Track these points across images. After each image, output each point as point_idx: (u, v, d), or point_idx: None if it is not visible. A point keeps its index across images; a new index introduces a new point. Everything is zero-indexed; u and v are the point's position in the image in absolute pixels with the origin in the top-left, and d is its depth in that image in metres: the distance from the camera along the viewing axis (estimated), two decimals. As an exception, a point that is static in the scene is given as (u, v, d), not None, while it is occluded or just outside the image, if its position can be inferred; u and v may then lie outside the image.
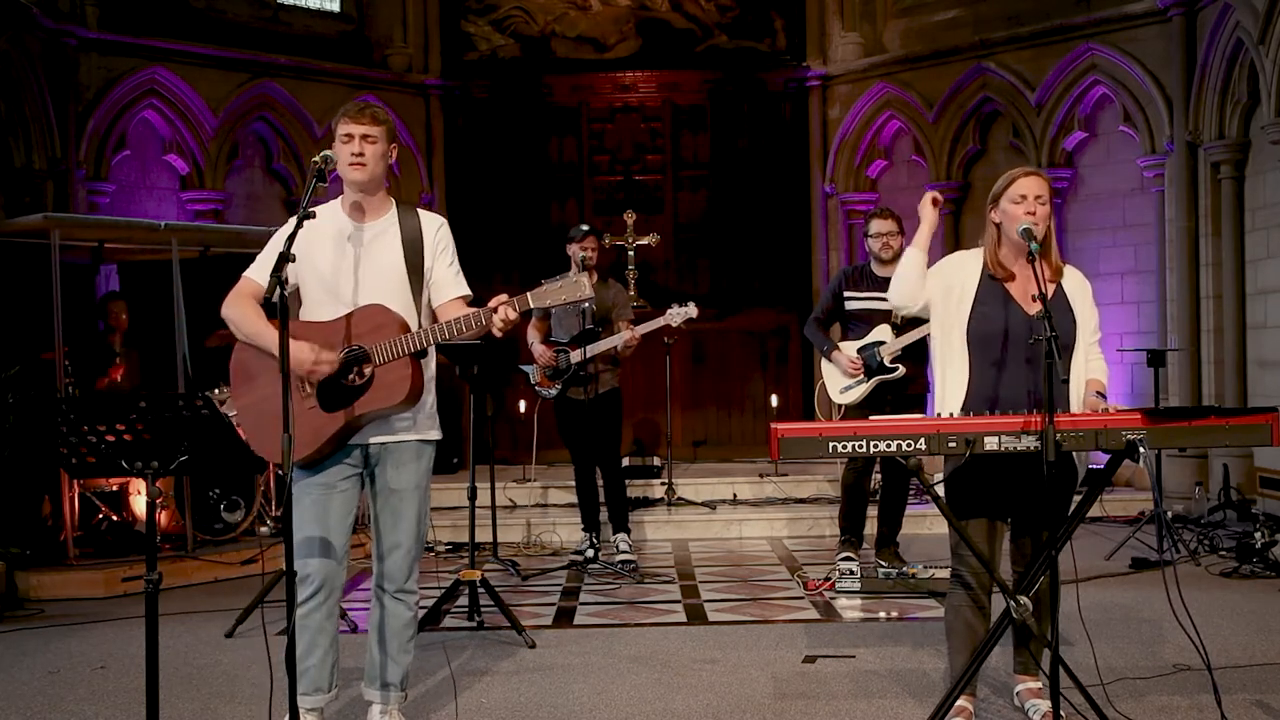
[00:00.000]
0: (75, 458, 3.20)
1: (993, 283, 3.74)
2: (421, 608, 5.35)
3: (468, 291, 3.77)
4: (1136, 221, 9.49)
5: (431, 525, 4.01)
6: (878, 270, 6.29)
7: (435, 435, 3.78)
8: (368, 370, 3.55)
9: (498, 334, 3.52)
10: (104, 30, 9.09)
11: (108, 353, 7.51)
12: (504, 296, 3.49)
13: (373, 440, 3.67)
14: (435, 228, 3.75)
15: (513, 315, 3.47)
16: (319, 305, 3.67)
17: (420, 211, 3.80)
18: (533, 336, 7.00)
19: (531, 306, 3.52)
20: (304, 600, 3.61)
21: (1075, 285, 3.80)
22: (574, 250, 6.81)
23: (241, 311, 3.70)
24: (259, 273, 3.71)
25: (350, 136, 3.63)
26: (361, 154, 3.62)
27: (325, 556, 3.64)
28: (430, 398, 3.74)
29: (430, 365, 3.73)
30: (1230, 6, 8.15)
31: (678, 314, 6.93)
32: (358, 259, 3.66)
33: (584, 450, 6.98)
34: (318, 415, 3.56)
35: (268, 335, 3.55)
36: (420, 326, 3.63)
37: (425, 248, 3.70)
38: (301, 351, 3.48)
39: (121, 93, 9.28)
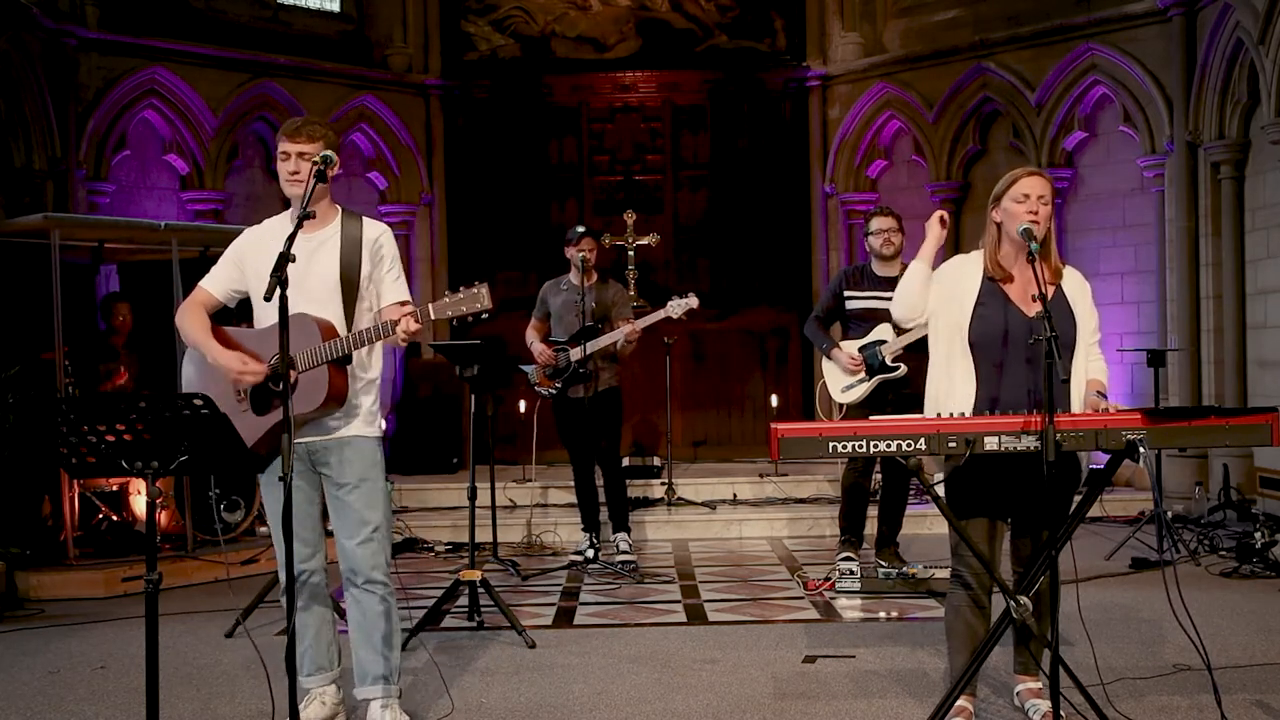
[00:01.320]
0: (75, 458, 3.20)
1: (992, 285, 3.74)
2: (421, 608, 5.40)
3: (406, 297, 3.90)
4: (1136, 221, 9.49)
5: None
6: (878, 270, 6.30)
7: (373, 432, 3.89)
8: (293, 376, 3.64)
9: (401, 344, 3.68)
10: (104, 30, 9.08)
11: (110, 353, 7.51)
12: (409, 308, 3.66)
13: (311, 439, 3.81)
14: (374, 236, 3.88)
15: (413, 326, 3.62)
16: (262, 312, 3.81)
17: (365, 220, 3.91)
18: (532, 337, 7.01)
19: (433, 318, 3.67)
20: (289, 585, 3.71)
21: (1075, 286, 3.80)
22: (571, 252, 6.82)
23: (188, 320, 3.87)
24: (211, 282, 3.92)
25: (287, 155, 3.77)
26: (297, 171, 3.75)
27: (296, 548, 3.72)
28: (370, 399, 3.89)
29: (367, 370, 3.87)
30: (1230, 6, 8.15)
31: (678, 305, 6.87)
32: (299, 269, 3.72)
33: (583, 450, 6.98)
34: (251, 418, 3.74)
35: (206, 345, 3.77)
36: (349, 333, 3.74)
37: (363, 256, 3.82)
38: (230, 361, 3.69)
39: (121, 93, 9.28)
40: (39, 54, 8.45)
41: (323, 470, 3.85)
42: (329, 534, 3.99)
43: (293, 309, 3.67)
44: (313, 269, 3.78)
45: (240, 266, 3.88)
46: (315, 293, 3.77)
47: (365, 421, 3.86)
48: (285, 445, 3.31)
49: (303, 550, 3.80)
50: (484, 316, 3.66)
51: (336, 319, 3.76)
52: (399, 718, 3.89)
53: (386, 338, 3.65)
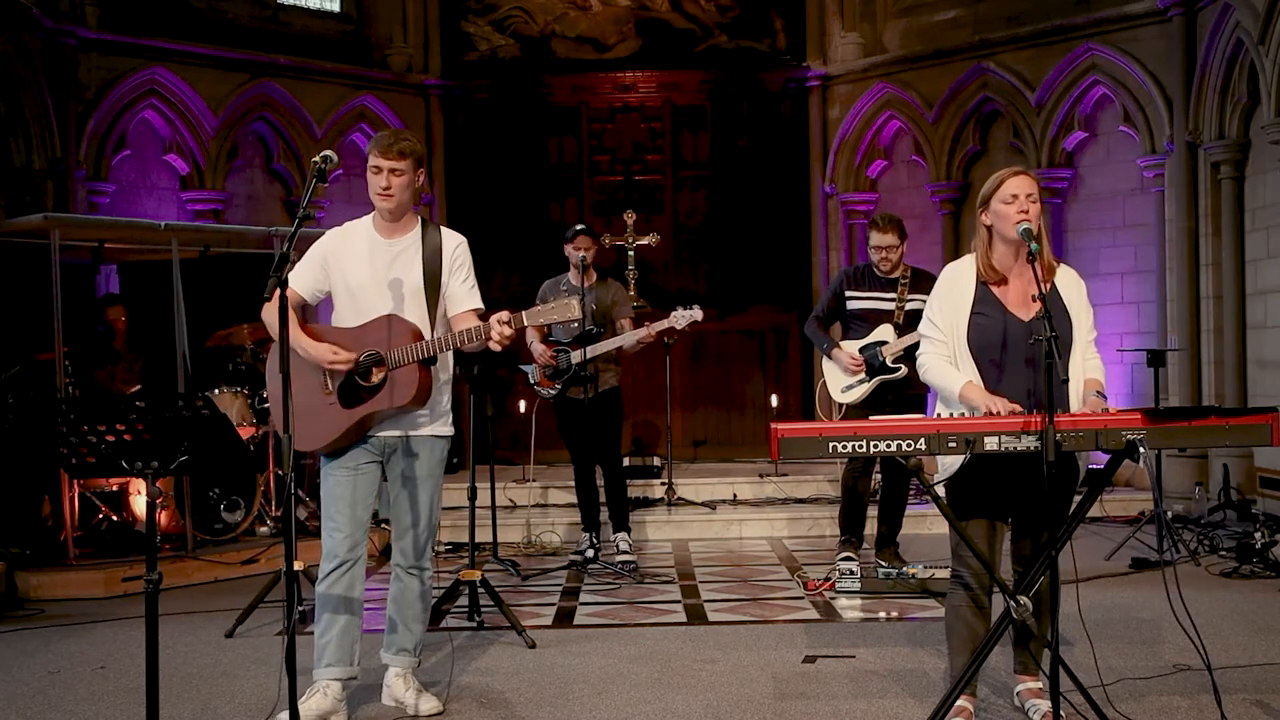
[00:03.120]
0: (75, 458, 3.21)
1: (985, 290, 3.73)
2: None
3: (479, 305, 4.10)
4: (1136, 221, 9.48)
5: (439, 523, 4.29)
6: (880, 271, 6.28)
7: (448, 431, 4.14)
8: (381, 372, 3.89)
9: (497, 348, 3.84)
10: (104, 30, 9.08)
11: (110, 355, 7.51)
12: (504, 315, 3.79)
13: (391, 433, 4.03)
14: (454, 246, 4.10)
15: (509, 332, 3.78)
16: (346, 313, 4.03)
17: (443, 230, 4.14)
18: (532, 336, 7.00)
19: (525, 324, 3.84)
20: (328, 573, 3.95)
21: (1070, 285, 3.79)
22: (570, 250, 6.82)
23: (275, 316, 3.95)
24: (296, 281, 4.06)
25: (379, 169, 3.95)
26: (389, 187, 3.95)
27: (350, 530, 3.98)
28: (444, 398, 4.11)
29: (444, 370, 4.09)
30: (1230, 6, 8.15)
31: (683, 317, 6.85)
32: (383, 273, 4.00)
33: (584, 450, 6.98)
34: (338, 411, 3.94)
35: (297, 338, 3.91)
36: (434, 336, 3.95)
37: (443, 264, 4.04)
38: (322, 351, 3.88)
39: (121, 93, 9.27)
40: (39, 54, 8.45)
41: (393, 464, 4.05)
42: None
43: (376, 312, 3.94)
44: (396, 274, 3.99)
45: (325, 267, 4.05)
46: (399, 297, 3.97)
47: (442, 421, 4.10)
48: (285, 445, 3.32)
49: (352, 538, 3.98)
50: (574, 325, 3.84)
51: (420, 321, 3.96)
52: (413, 684, 4.15)
53: (478, 341, 3.83)
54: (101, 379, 7.39)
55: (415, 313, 3.97)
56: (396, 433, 4.02)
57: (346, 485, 3.98)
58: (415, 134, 10.78)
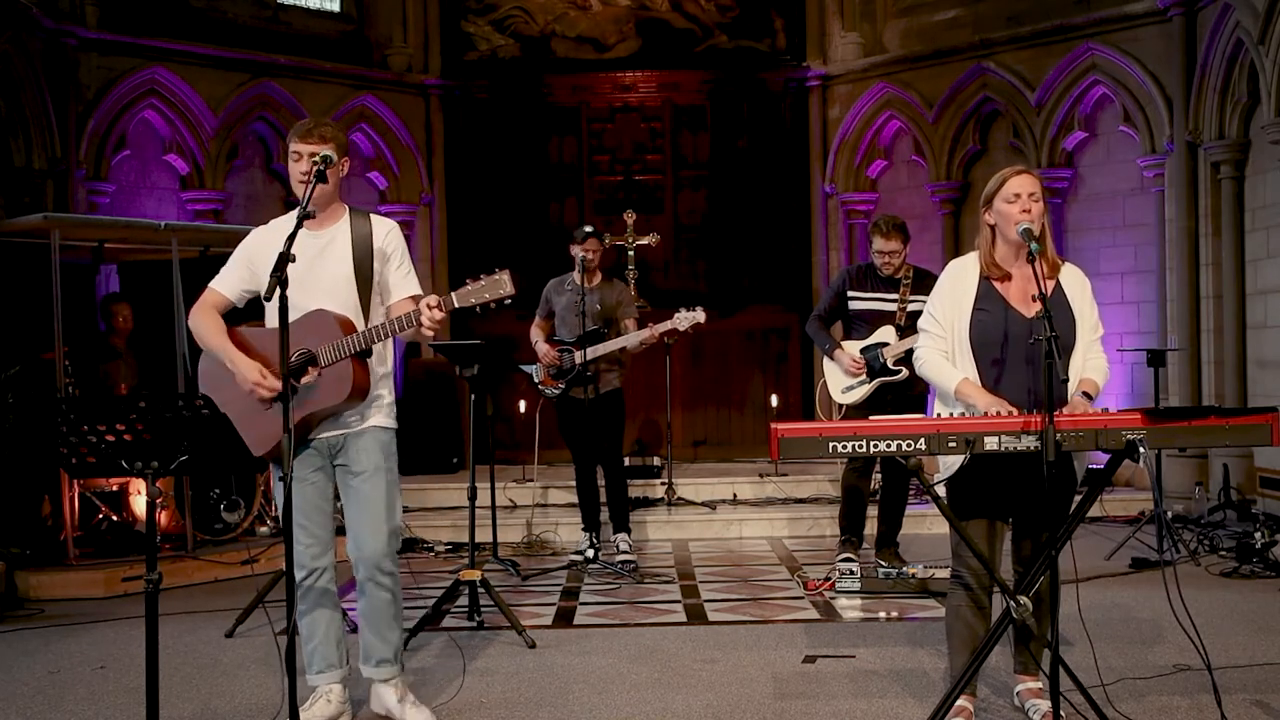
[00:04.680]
0: (75, 458, 3.20)
1: (989, 285, 3.74)
2: (420, 608, 5.40)
3: (417, 290, 3.95)
4: (1136, 221, 9.48)
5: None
6: (882, 272, 6.27)
7: (390, 424, 3.96)
8: (316, 371, 3.73)
9: (429, 334, 3.70)
10: (104, 30, 9.08)
11: (110, 353, 7.50)
12: (433, 299, 3.65)
13: (332, 433, 3.87)
14: (384, 233, 3.95)
15: (439, 316, 3.64)
16: (275, 311, 3.80)
17: (372, 217, 3.98)
18: (536, 335, 7.02)
19: (456, 306, 3.69)
20: (301, 581, 3.84)
21: (1074, 283, 3.79)
22: (575, 251, 6.83)
23: (203, 323, 3.90)
24: (222, 284, 3.95)
25: (299, 155, 3.83)
26: (309, 172, 3.76)
27: (309, 541, 3.85)
28: (384, 392, 3.94)
29: (383, 363, 3.92)
30: (1230, 6, 8.14)
31: (686, 318, 6.89)
32: (309, 267, 3.79)
33: (585, 450, 6.99)
34: (275, 415, 3.72)
35: (225, 350, 3.79)
36: (367, 327, 3.78)
37: (374, 253, 3.89)
38: (250, 372, 3.71)
39: (121, 93, 9.27)
40: (39, 54, 8.45)
41: (339, 461, 3.90)
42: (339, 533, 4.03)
43: (308, 306, 3.75)
44: (324, 266, 3.84)
45: (251, 267, 3.91)
46: (329, 289, 3.82)
47: (384, 414, 3.94)
48: (286, 445, 3.31)
49: (314, 548, 3.87)
50: (507, 302, 3.69)
51: (353, 314, 3.81)
52: (405, 694, 4.03)
53: (411, 328, 3.69)
54: (102, 377, 7.39)
55: (347, 305, 3.82)
56: (337, 433, 3.87)
57: (297, 495, 3.82)
58: (415, 134, 10.94)
